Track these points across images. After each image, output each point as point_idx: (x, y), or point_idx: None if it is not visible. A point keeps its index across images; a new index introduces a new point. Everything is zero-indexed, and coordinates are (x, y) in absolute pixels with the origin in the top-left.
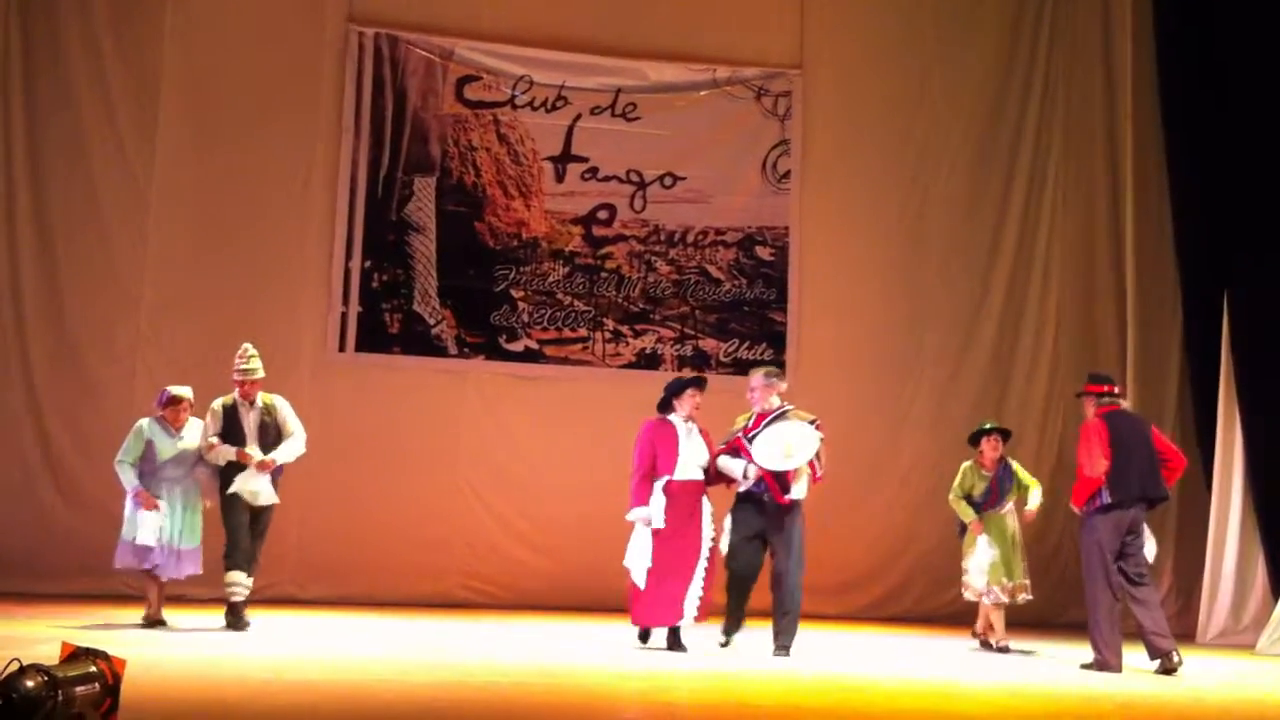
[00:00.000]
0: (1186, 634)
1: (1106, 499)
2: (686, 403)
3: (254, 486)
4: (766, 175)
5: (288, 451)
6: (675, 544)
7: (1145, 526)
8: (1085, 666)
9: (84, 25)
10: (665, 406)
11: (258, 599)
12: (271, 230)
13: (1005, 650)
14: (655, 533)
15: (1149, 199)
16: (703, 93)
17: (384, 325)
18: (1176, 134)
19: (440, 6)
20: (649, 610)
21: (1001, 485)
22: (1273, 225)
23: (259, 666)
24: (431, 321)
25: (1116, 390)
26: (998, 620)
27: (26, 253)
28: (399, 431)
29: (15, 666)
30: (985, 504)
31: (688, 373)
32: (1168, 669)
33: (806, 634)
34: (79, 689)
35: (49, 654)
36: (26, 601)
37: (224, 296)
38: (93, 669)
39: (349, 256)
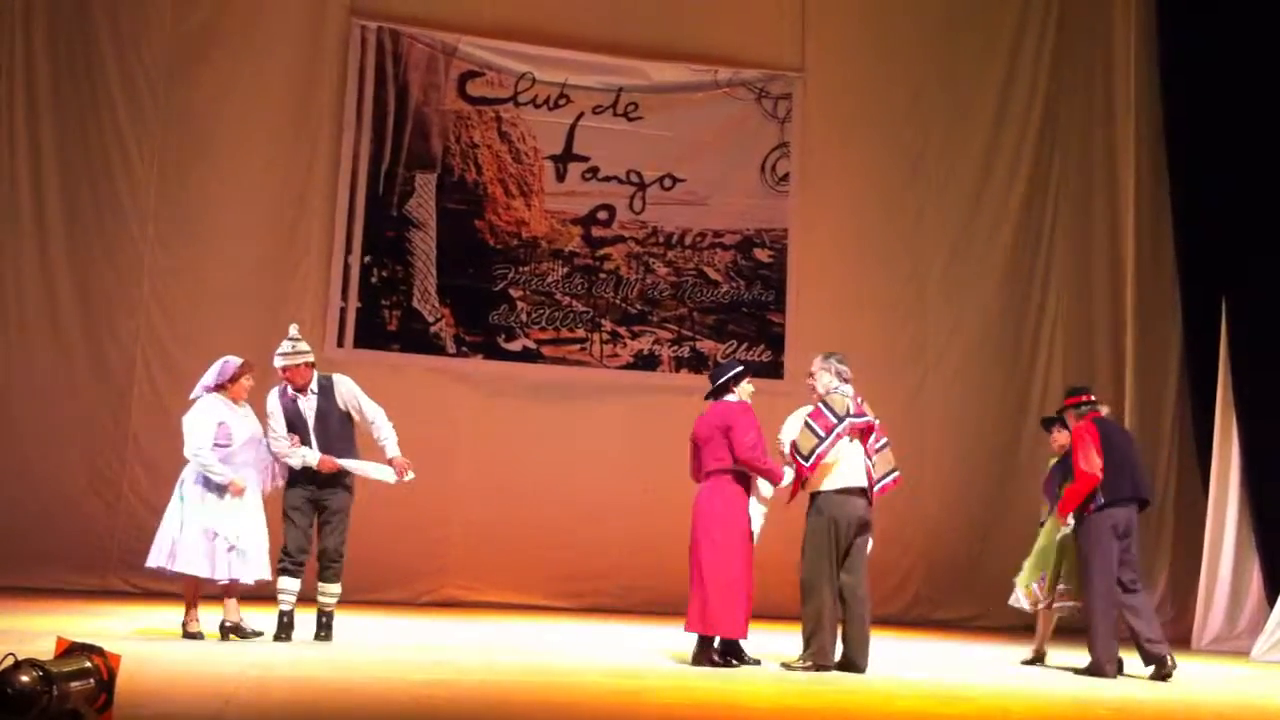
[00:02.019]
0: (1182, 640)
1: (1102, 499)
2: (744, 390)
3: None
4: (765, 177)
5: (390, 439)
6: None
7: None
8: (1080, 671)
9: (85, 18)
10: (724, 391)
11: (251, 597)
12: (272, 223)
13: (1030, 662)
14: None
15: (1149, 205)
16: (704, 94)
17: (383, 322)
18: (1177, 140)
19: (443, 2)
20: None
21: (1052, 478)
22: (1273, 232)
23: (255, 663)
24: (430, 319)
25: (1094, 398)
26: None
27: (27, 240)
28: (396, 429)
29: (10, 661)
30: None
31: (728, 359)
32: (1162, 675)
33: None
34: (74, 684)
35: (44, 649)
36: (22, 596)
37: (223, 290)
38: (88, 664)
39: (348, 251)
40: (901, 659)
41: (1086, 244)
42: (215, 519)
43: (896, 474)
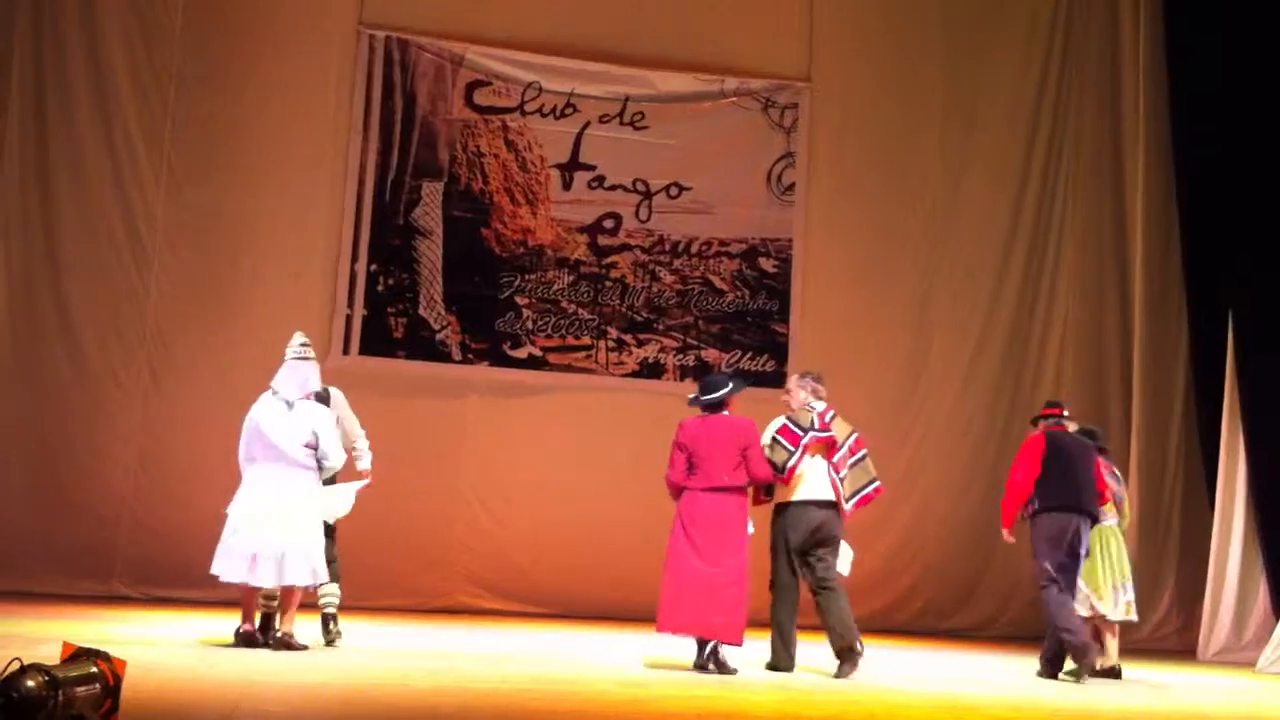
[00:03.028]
0: (1188, 651)
1: (1037, 505)
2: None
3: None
4: (771, 187)
5: (368, 453)
6: None
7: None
8: (1070, 663)
9: (92, 25)
10: (722, 405)
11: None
12: (278, 230)
13: (1107, 674)
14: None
15: (1157, 216)
16: (710, 103)
17: (389, 329)
18: (1185, 152)
19: (451, 11)
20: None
21: None
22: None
23: (261, 669)
24: (436, 327)
25: (1065, 414)
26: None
27: (34, 251)
28: (402, 436)
29: (16, 666)
30: None
31: (723, 373)
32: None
33: (810, 645)
34: (79, 689)
35: (50, 654)
36: (28, 601)
37: (230, 296)
38: (93, 670)
39: (355, 259)
40: (909, 669)
41: (1094, 253)
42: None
43: (877, 484)
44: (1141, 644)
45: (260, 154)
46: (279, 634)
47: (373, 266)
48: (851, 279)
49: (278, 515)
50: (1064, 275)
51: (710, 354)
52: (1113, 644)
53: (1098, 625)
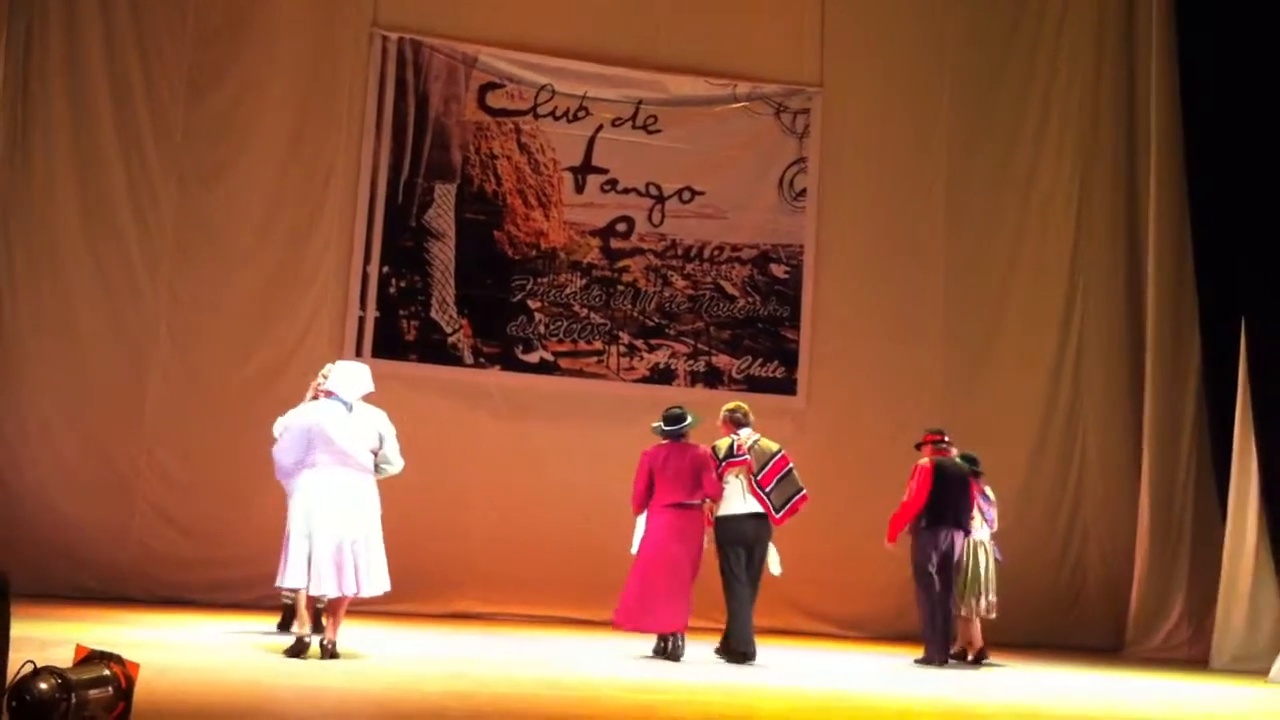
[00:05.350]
0: (1199, 660)
1: (924, 523)
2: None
3: None
4: (783, 192)
5: None
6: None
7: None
8: (919, 661)
9: (107, 26)
10: (684, 435)
11: (266, 606)
12: (291, 232)
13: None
14: None
15: (1169, 228)
16: (723, 107)
17: (401, 332)
18: (1197, 162)
19: (464, 13)
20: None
21: None
22: None
23: (271, 672)
24: (448, 330)
25: (946, 439)
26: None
27: (40, 253)
28: (413, 440)
29: (29, 669)
30: None
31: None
32: (976, 660)
33: (815, 653)
34: (92, 692)
35: (63, 657)
36: (41, 603)
37: (242, 298)
38: (106, 673)
39: (367, 261)
40: (915, 677)
41: (1107, 264)
42: None
43: (802, 493)
44: (1153, 653)
45: (273, 155)
46: (329, 643)
47: (385, 269)
48: (862, 285)
49: (353, 521)
50: (1076, 284)
51: (721, 360)
52: (978, 635)
53: (968, 620)
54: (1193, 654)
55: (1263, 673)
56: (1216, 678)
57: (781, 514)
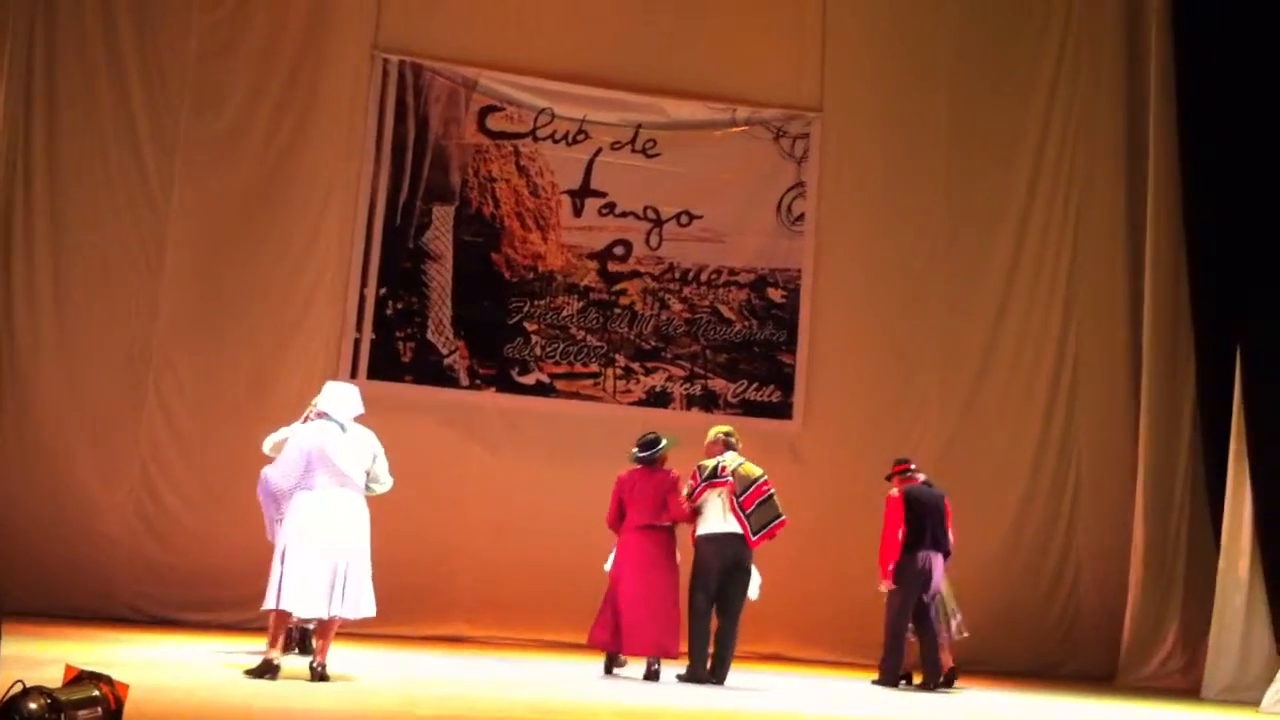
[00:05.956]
0: (1192, 690)
1: (902, 549)
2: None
3: None
4: (781, 217)
5: None
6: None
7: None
8: (875, 682)
9: (109, 46)
10: (656, 460)
11: (258, 627)
12: (288, 252)
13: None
14: None
15: (1165, 250)
16: (721, 132)
17: (397, 354)
18: (1194, 183)
19: (465, 36)
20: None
21: None
22: None
23: (263, 695)
24: (445, 351)
25: (913, 467)
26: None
27: (40, 272)
28: (408, 461)
29: (19, 688)
30: None
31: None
32: (935, 686)
33: (811, 679)
34: (82, 713)
35: (53, 676)
36: (31, 622)
37: (238, 318)
38: (96, 693)
39: (364, 283)
40: (917, 706)
41: (1102, 286)
42: None
43: (781, 518)
44: (1145, 682)
45: (272, 176)
46: (319, 665)
47: (382, 290)
48: (860, 310)
49: (347, 543)
50: (1071, 308)
51: (717, 383)
52: (948, 656)
53: (941, 641)
54: (1186, 683)
55: (1255, 703)
56: (1208, 707)
57: (758, 536)
